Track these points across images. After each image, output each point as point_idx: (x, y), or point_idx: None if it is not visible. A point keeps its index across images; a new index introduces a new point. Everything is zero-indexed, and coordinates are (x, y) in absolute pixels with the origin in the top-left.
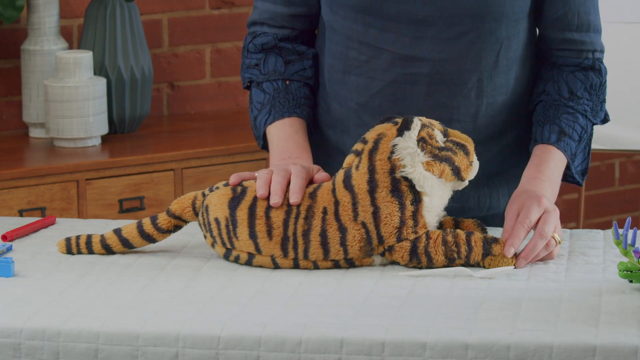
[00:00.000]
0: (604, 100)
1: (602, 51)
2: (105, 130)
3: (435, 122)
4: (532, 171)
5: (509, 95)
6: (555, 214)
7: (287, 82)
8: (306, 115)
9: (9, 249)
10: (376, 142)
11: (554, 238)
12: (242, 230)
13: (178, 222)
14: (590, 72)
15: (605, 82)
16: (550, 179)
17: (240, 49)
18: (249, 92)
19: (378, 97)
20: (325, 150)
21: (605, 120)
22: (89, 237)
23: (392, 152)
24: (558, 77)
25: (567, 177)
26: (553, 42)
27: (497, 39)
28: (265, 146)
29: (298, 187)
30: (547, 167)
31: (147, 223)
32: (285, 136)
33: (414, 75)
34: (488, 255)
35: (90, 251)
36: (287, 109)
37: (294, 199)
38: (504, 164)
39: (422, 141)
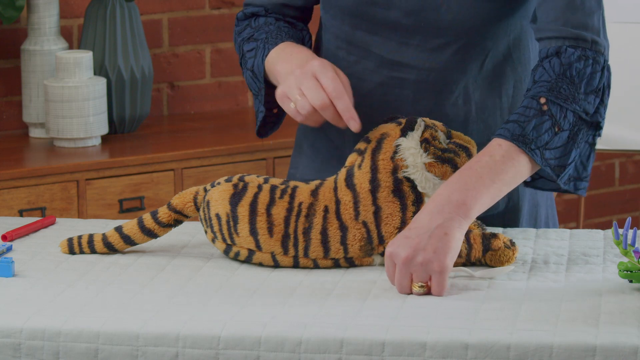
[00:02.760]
0: (591, 92)
1: (577, 38)
2: (105, 130)
3: (439, 124)
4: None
5: (499, 98)
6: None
7: (279, 27)
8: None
9: (9, 249)
10: (379, 142)
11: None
12: (243, 226)
13: (179, 217)
14: (555, 57)
15: (572, 63)
16: (474, 175)
17: None
18: (242, 55)
19: (368, 98)
20: (321, 153)
21: (595, 117)
22: (91, 236)
23: (395, 152)
24: (533, 72)
25: (545, 178)
26: (534, 34)
27: (482, 49)
28: (268, 102)
29: (347, 105)
30: (477, 159)
31: (147, 218)
32: (289, 50)
33: (402, 80)
34: (488, 250)
35: (93, 250)
36: (281, 39)
37: (355, 127)
38: None
39: (425, 142)
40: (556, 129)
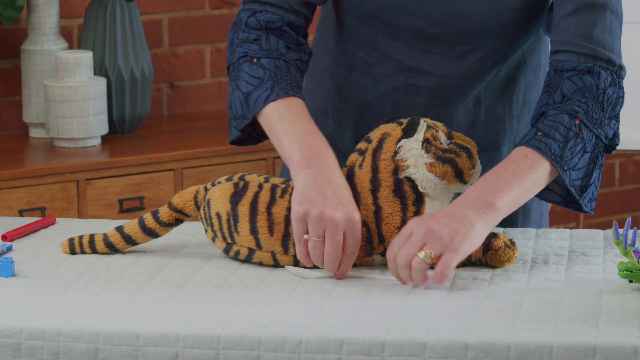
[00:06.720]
0: (613, 117)
1: (608, 61)
2: (105, 130)
3: (440, 124)
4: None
5: (510, 105)
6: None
7: (288, 64)
8: (304, 100)
9: (9, 249)
10: (380, 142)
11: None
12: (243, 225)
13: (179, 216)
14: (587, 75)
15: (606, 88)
16: (504, 178)
17: None
18: (236, 68)
19: (380, 101)
20: None
21: (613, 141)
22: (92, 236)
23: (396, 152)
24: (556, 83)
25: (555, 192)
26: (553, 44)
27: (503, 56)
28: (246, 129)
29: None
30: (505, 164)
31: (148, 218)
32: (305, 129)
33: (417, 87)
34: (489, 250)
35: (94, 250)
36: (291, 88)
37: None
38: None
39: (426, 142)
40: (583, 151)
